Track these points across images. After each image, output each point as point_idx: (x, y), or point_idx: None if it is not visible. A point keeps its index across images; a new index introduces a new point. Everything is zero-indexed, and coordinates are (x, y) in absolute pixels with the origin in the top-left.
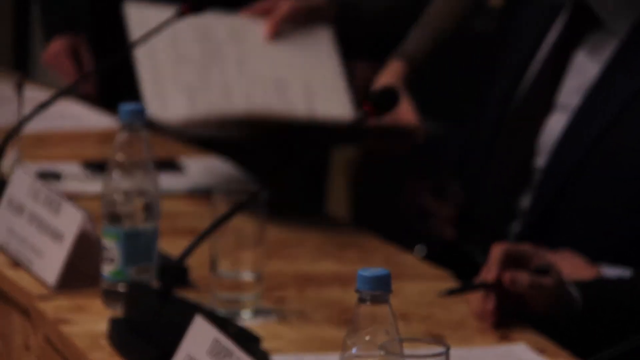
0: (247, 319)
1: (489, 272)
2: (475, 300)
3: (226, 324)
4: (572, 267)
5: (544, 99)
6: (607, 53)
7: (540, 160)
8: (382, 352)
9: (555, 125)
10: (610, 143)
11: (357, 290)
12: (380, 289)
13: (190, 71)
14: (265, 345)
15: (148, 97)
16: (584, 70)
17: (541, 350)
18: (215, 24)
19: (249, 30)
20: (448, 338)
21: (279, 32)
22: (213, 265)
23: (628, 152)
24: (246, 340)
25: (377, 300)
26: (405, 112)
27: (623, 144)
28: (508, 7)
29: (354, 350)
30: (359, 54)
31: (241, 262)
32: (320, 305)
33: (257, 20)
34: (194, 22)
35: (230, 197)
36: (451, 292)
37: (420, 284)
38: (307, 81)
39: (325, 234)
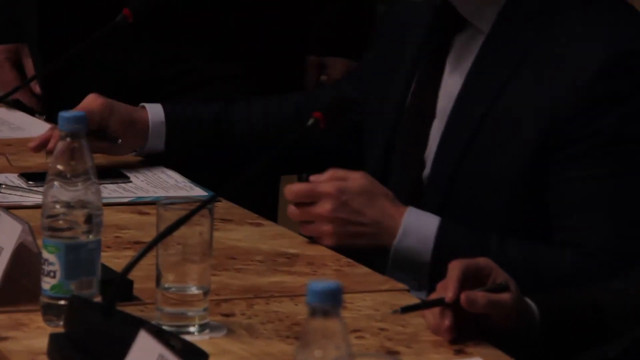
0: (194, 334)
1: (446, 290)
2: (431, 315)
3: (172, 339)
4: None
5: (426, 108)
6: (475, 52)
7: (426, 171)
8: None
9: (435, 133)
10: (481, 144)
11: (307, 304)
12: (331, 302)
13: None
14: None
15: None
16: (455, 73)
17: None
18: None
19: None
20: (402, 353)
21: None
22: (158, 278)
23: (499, 150)
24: (193, 356)
25: (328, 313)
26: None
27: (494, 143)
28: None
29: None
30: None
31: (187, 276)
32: (270, 319)
33: None
34: None
35: (176, 208)
36: (406, 310)
37: (374, 296)
38: None
39: (275, 246)
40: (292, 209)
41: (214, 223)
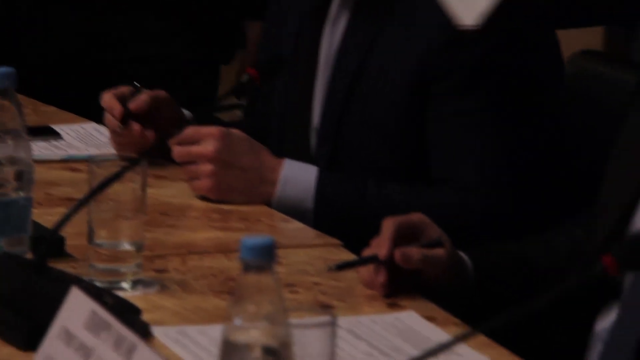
0: (126, 290)
1: (380, 247)
2: (365, 271)
3: (104, 296)
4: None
5: (310, 63)
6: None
7: (315, 122)
8: (267, 322)
9: (321, 86)
10: (362, 92)
11: (240, 259)
12: (264, 257)
13: None
14: (146, 316)
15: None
16: (334, 28)
17: (430, 318)
18: None
19: None
20: (336, 307)
21: None
22: (90, 235)
23: (379, 95)
24: (125, 311)
25: (261, 268)
26: None
27: (374, 88)
28: None
29: (237, 321)
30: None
31: (120, 232)
32: (203, 275)
33: None
34: None
35: (108, 165)
36: (341, 267)
37: (307, 251)
38: None
39: (208, 202)
40: (176, 149)
41: (147, 180)
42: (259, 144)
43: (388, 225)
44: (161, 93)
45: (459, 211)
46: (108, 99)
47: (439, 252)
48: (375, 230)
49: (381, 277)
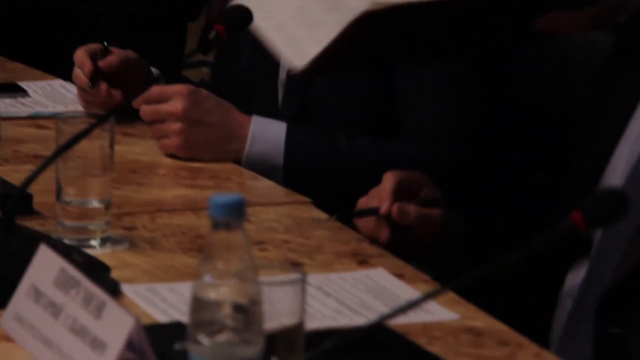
0: (95, 248)
1: (382, 201)
2: (364, 223)
3: (73, 253)
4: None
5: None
6: None
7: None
8: (236, 280)
9: None
10: None
11: (210, 217)
12: (234, 215)
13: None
14: (115, 274)
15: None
16: None
17: (399, 275)
18: None
19: None
20: (306, 264)
21: None
22: (58, 192)
23: None
24: (94, 269)
25: (230, 226)
26: None
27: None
28: None
29: (207, 278)
30: None
31: (88, 189)
32: (172, 232)
33: None
34: None
35: (75, 122)
36: (343, 217)
37: (277, 209)
38: None
39: (177, 160)
40: (144, 107)
41: (115, 137)
42: (226, 102)
43: (389, 179)
44: (130, 53)
45: (429, 163)
46: (80, 55)
47: (434, 211)
48: (345, 185)
49: (385, 233)
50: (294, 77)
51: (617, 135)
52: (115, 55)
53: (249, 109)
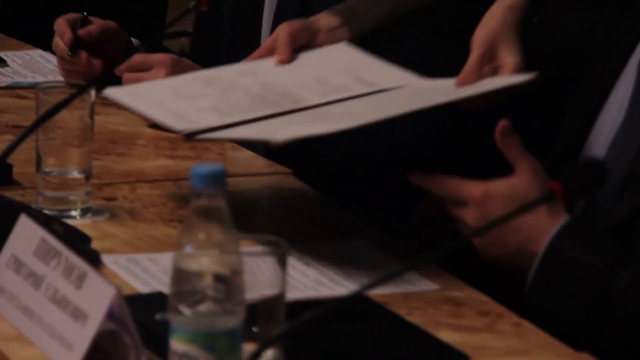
0: (75, 218)
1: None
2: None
3: (54, 224)
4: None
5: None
6: None
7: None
8: (217, 250)
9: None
10: None
11: (191, 187)
12: (215, 186)
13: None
14: (96, 244)
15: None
16: None
17: (379, 246)
18: (218, 72)
19: (258, 66)
20: (287, 235)
21: (292, 57)
22: (38, 163)
23: None
24: (75, 239)
25: (211, 197)
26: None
27: None
28: None
29: (188, 249)
30: None
31: (68, 160)
32: (153, 203)
33: (262, 60)
34: (192, 76)
35: (55, 92)
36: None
37: (258, 180)
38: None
39: (157, 130)
40: (126, 75)
41: (95, 107)
42: None
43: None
44: (110, 23)
45: (415, 136)
46: (60, 24)
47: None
48: (326, 157)
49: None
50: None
51: (599, 106)
52: (95, 25)
53: None
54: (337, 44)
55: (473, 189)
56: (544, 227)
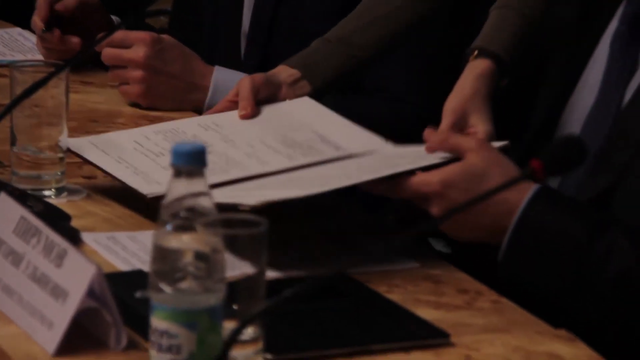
0: (50, 197)
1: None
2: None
3: (33, 201)
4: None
5: None
6: None
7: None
8: (197, 228)
9: None
10: (287, 6)
11: (172, 165)
12: (195, 163)
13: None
14: (76, 223)
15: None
16: None
17: (360, 224)
18: (181, 124)
19: (221, 120)
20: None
21: (255, 112)
22: (12, 141)
23: (305, 12)
24: (55, 218)
25: (192, 174)
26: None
27: (298, 7)
28: None
29: (168, 227)
30: None
31: (43, 139)
32: None
33: (225, 114)
34: (155, 128)
35: (30, 70)
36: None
37: None
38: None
39: (137, 109)
40: (106, 51)
41: (75, 86)
42: (190, 51)
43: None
44: None
45: (392, 120)
46: (40, 1)
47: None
48: None
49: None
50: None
51: (571, 85)
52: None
53: (212, 59)
54: (299, 99)
55: (430, 182)
56: (513, 200)
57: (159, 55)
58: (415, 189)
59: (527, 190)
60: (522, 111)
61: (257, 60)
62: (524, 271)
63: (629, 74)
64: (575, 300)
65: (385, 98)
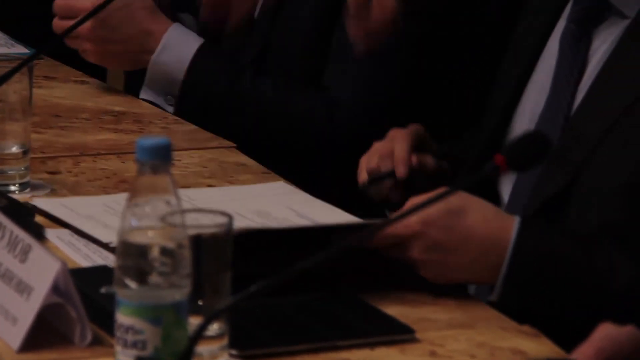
0: (14, 193)
1: (397, 163)
2: (378, 189)
3: None
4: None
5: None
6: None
7: None
8: (162, 224)
9: None
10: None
11: (136, 160)
12: (160, 158)
13: None
14: (39, 218)
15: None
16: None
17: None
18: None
19: (193, 193)
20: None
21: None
22: None
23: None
24: (19, 213)
25: (157, 169)
26: None
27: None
28: None
29: (133, 222)
30: None
31: (7, 134)
32: (97, 176)
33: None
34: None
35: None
36: (370, 183)
37: (202, 153)
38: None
39: (101, 103)
40: (55, 21)
41: (38, 81)
42: (142, 10)
43: (402, 138)
44: None
45: (323, 121)
46: None
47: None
48: (238, 121)
49: (398, 195)
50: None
51: (522, 85)
52: None
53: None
54: (274, 183)
55: (408, 224)
56: (496, 236)
57: (105, 24)
58: (393, 232)
59: (511, 224)
60: (474, 111)
61: (258, 47)
62: (526, 302)
63: (579, 72)
64: (586, 321)
65: (327, 97)
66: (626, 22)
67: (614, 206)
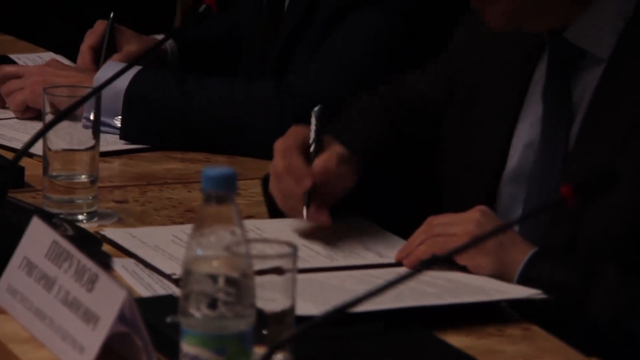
0: (82, 222)
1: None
2: None
3: (66, 226)
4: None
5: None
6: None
7: None
8: (227, 253)
9: None
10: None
11: (202, 190)
12: (225, 188)
13: None
14: (106, 247)
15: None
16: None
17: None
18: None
19: (263, 225)
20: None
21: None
22: (45, 166)
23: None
24: (86, 242)
25: (222, 199)
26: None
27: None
28: None
29: (198, 252)
30: None
31: (75, 164)
32: (164, 206)
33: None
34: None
35: (66, 95)
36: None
37: None
38: None
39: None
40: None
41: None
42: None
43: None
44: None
45: (270, 110)
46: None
47: None
48: (187, 121)
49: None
50: None
51: (505, 143)
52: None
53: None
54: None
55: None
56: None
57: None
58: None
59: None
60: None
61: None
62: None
63: (568, 122)
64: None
65: (279, 87)
66: (603, 66)
67: (621, 246)
